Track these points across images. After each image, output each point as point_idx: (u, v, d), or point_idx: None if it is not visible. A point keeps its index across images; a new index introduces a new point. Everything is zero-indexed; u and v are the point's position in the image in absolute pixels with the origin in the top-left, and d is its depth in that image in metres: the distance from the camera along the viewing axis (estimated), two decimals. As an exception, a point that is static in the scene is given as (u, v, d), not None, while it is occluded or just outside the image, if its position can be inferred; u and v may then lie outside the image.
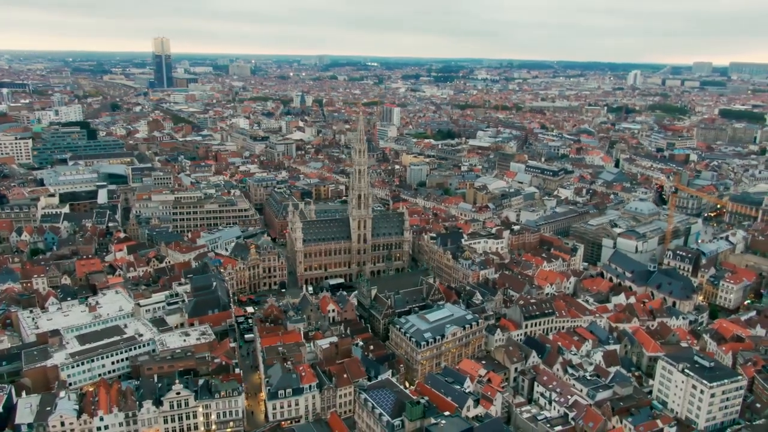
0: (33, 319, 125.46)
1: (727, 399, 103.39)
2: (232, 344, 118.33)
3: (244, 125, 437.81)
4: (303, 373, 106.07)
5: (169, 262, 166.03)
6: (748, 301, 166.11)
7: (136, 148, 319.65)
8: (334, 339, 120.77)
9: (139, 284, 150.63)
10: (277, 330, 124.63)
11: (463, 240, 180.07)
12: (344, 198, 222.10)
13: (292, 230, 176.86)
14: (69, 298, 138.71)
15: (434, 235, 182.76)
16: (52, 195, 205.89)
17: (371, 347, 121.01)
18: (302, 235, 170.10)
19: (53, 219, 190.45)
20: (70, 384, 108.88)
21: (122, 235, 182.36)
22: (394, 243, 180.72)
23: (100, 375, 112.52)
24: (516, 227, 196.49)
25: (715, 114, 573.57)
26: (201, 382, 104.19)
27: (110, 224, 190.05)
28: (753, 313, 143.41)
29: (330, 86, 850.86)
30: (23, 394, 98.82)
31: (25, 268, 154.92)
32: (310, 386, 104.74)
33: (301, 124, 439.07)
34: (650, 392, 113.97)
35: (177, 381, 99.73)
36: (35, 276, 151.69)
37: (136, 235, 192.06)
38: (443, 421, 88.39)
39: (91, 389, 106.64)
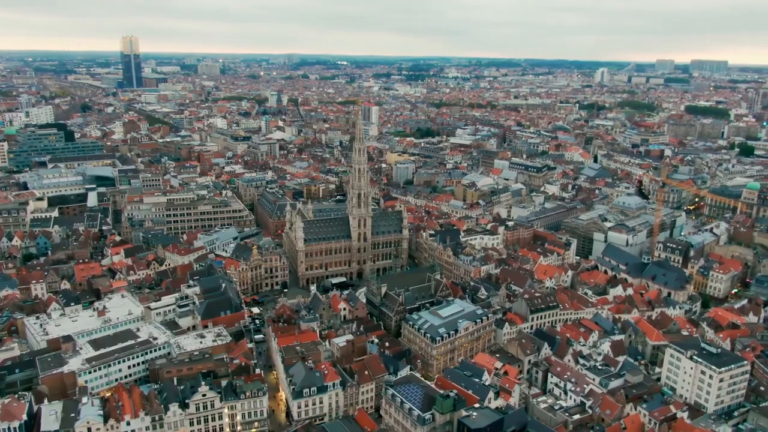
0: (41, 325, 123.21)
1: (734, 383, 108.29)
2: (250, 345, 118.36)
3: (221, 125, 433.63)
4: (326, 372, 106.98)
5: (169, 264, 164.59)
6: (736, 290, 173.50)
7: (116, 149, 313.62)
8: (350, 337, 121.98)
9: (141, 287, 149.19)
10: (291, 330, 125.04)
11: (460, 237, 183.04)
12: (338, 197, 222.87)
13: (293, 230, 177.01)
14: (72, 303, 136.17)
15: (433, 232, 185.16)
16: (41, 199, 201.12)
17: (386, 344, 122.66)
18: (303, 235, 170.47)
19: (43, 223, 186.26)
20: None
21: (118, 238, 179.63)
22: (393, 241, 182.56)
23: (116, 380, 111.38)
24: (510, 223, 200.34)
25: (682, 110, 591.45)
26: (224, 383, 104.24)
27: (104, 227, 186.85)
28: (745, 302, 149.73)
29: (303, 85, 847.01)
30: (45, 401, 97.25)
31: (21, 274, 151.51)
32: (333, 384, 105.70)
33: (280, 123, 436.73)
34: (658, 379, 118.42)
35: (203, 383, 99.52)
36: (33, 281, 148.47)
37: (130, 237, 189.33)
38: (474, 414, 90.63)
39: (108, 394, 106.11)
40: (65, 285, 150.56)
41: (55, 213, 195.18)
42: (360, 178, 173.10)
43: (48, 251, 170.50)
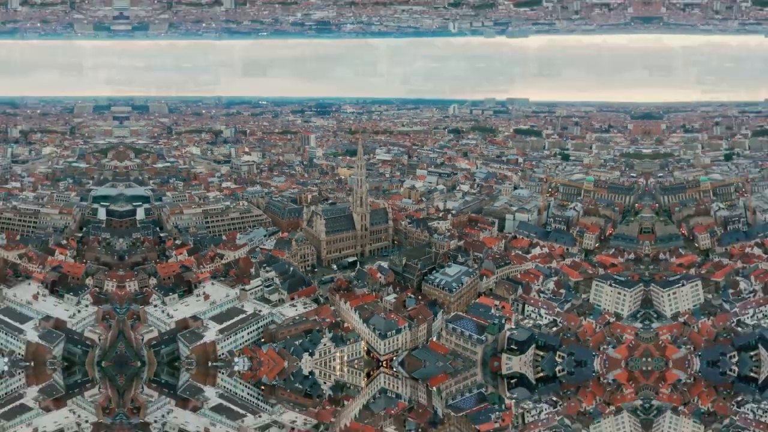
0: (163, 311, 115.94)
1: (636, 297, 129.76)
2: (332, 308, 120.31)
3: (196, 152, 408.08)
4: (396, 319, 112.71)
5: (227, 258, 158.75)
6: (597, 245, 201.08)
7: (129, 174, 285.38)
8: (396, 295, 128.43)
9: (216, 276, 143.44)
10: (351, 295, 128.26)
11: (428, 223, 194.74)
12: (331, 201, 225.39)
13: (314, 226, 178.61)
14: (170, 293, 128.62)
15: (410, 221, 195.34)
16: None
17: (419, 297, 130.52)
18: (325, 228, 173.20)
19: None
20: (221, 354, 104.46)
21: (178, 242, 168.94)
22: (382, 229, 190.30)
23: (241, 344, 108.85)
24: (453, 211, 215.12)
25: (512, 132, 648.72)
26: (330, 335, 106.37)
27: (162, 235, 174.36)
28: (613, 250, 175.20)
29: (242, 120, 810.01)
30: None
31: (117, 275, 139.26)
32: (404, 327, 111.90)
33: (246, 149, 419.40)
34: (587, 300, 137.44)
35: (326, 334, 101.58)
36: (128, 280, 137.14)
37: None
38: (515, 331, 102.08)
39: (238, 356, 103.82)
40: (153, 281, 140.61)
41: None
42: (362, 185, 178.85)
43: (125, 257, 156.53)
